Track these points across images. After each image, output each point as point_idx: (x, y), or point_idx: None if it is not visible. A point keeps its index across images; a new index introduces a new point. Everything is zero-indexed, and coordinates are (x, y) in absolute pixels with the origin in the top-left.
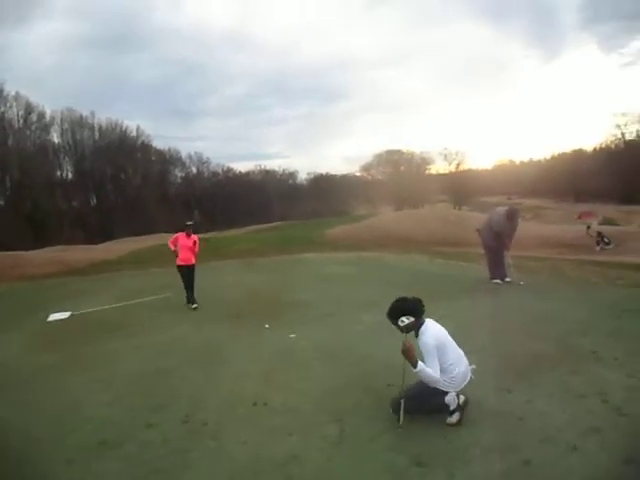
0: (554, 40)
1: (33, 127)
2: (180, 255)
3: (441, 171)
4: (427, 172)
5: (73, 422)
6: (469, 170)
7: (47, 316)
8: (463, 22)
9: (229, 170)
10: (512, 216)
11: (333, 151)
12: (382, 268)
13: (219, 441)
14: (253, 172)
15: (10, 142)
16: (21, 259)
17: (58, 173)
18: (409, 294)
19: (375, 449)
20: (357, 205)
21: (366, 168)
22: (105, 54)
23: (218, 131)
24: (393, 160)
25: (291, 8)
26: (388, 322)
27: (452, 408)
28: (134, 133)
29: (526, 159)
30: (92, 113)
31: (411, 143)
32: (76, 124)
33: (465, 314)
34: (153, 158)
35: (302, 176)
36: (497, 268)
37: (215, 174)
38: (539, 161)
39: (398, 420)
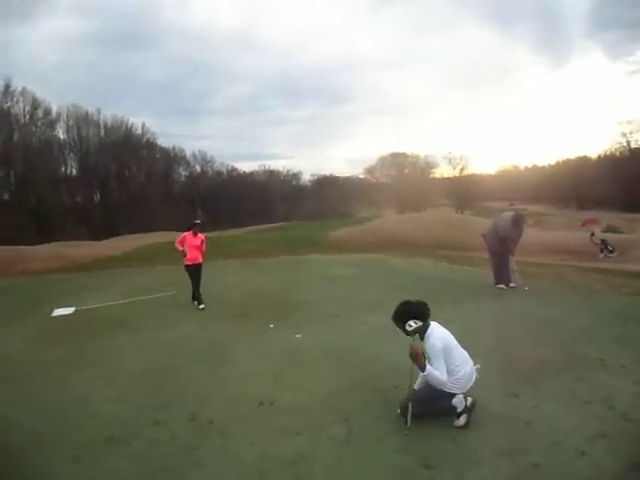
0: (560, 47)
1: (39, 123)
2: (188, 255)
3: (445, 175)
4: (431, 176)
5: (78, 418)
6: (473, 175)
7: (51, 311)
8: (469, 27)
9: (233, 170)
10: (518, 221)
11: (337, 153)
12: (386, 271)
13: (226, 439)
14: (257, 172)
15: (16, 137)
16: (25, 254)
17: (63, 169)
18: (414, 297)
19: (383, 450)
20: (360, 207)
21: (370, 170)
22: (112, 51)
23: (223, 130)
24: (397, 163)
25: (298, 9)
26: (393, 324)
27: (459, 410)
28: (139, 131)
29: (530, 165)
30: (98, 110)
31: (415, 146)
32: (82, 120)
33: (470, 318)
34: (158, 156)
35: (306, 177)
36: (502, 273)
37: (219, 173)
38: (543, 167)
39: (406, 423)
